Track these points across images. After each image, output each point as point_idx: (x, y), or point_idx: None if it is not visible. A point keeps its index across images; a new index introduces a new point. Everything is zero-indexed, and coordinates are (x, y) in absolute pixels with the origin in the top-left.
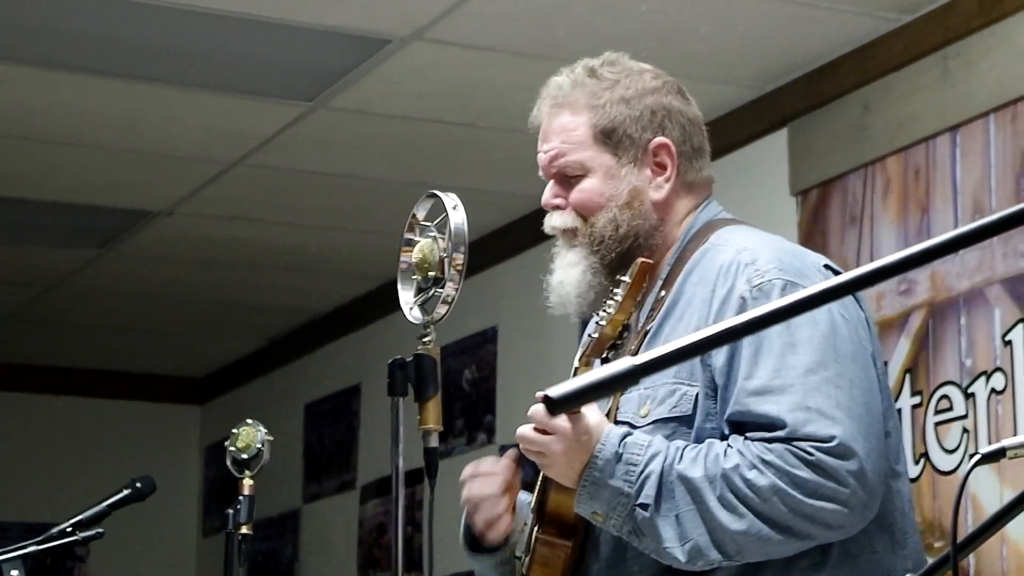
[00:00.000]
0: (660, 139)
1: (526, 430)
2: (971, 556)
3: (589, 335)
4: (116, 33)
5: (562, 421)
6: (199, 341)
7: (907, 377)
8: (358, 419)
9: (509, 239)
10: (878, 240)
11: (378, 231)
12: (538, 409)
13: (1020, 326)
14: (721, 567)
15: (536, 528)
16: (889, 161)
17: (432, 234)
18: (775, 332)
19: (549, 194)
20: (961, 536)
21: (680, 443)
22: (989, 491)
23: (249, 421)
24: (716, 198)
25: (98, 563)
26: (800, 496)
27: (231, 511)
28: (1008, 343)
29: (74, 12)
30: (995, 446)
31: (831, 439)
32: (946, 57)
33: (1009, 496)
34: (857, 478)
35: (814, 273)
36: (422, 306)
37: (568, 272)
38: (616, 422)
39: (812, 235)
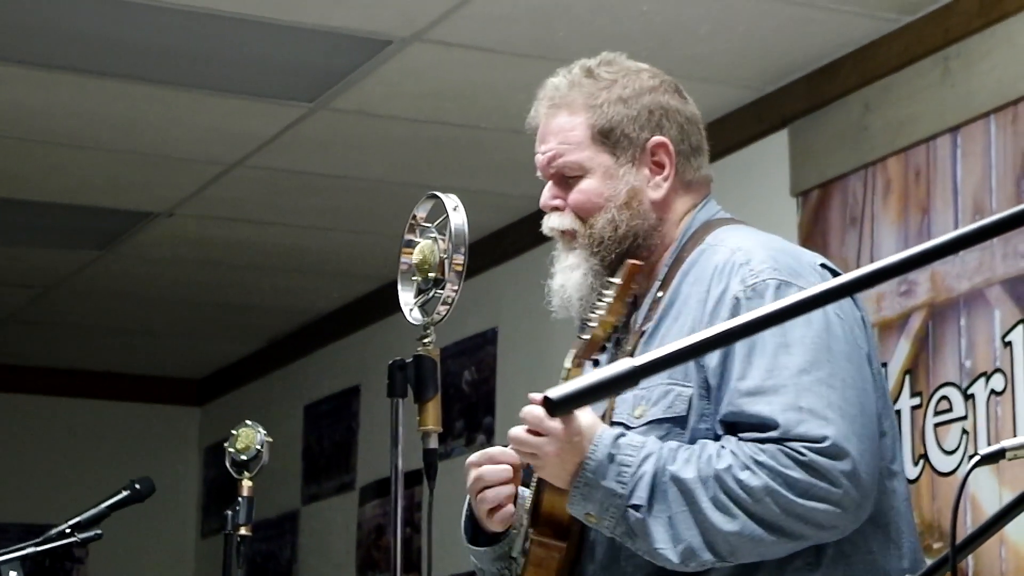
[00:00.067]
0: (658, 138)
1: (518, 431)
2: (970, 557)
3: (579, 337)
4: (116, 33)
5: (554, 422)
6: (199, 342)
7: (907, 378)
8: (357, 420)
9: (509, 240)
10: (878, 241)
11: (378, 232)
12: (530, 410)
13: (1020, 327)
14: (715, 568)
15: (531, 529)
16: (889, 162)
17: (432, 235)
18: (769, 332)
19: (547, 195)
20: (960, 537)
21: (674, 444)
22: (988, 492)
23: (248, 422)
24: (716, 199)
25: (97, 564)
26: (792, 496)
27: (230, 512)
28: (1008, 344)
29: (74, 12)
30: (994, 447)
31: (823, 439)
32: (947, 58)
33: (1008, 497)
34: (850, 478)
35: (810, 272)
36: (422, 307)
37: (569, 275)
38: (611, 423)
39: (812, 236)
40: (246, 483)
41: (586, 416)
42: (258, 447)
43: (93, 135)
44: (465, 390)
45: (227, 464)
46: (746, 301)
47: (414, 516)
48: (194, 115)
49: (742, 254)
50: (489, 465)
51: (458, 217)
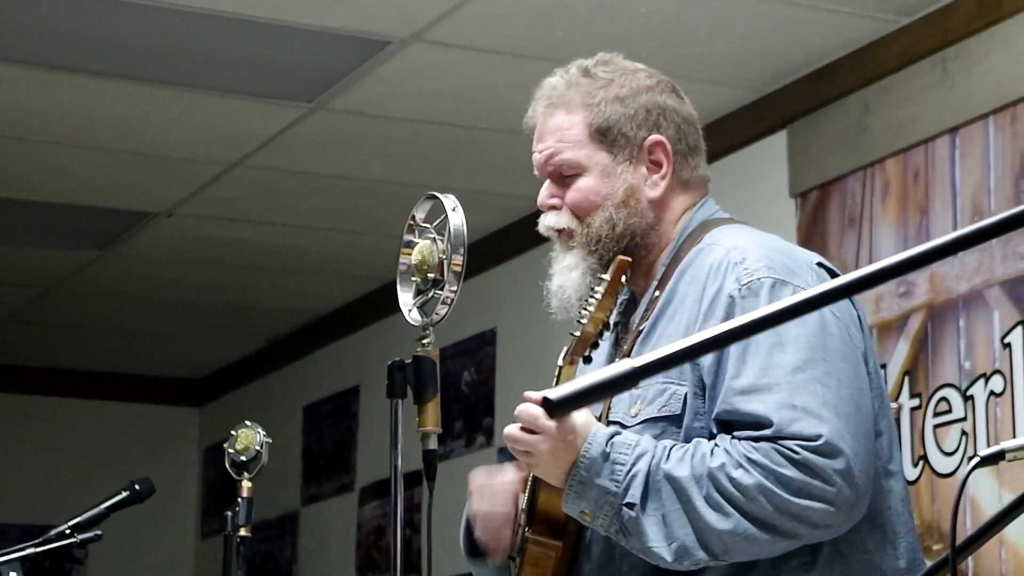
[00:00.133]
0: (655, 137)
1: (513, 429)
2: (970, 559)
3: (571, 334)
4: (116, 34)
5: (548, 420)
6: (198, 343)
7: (906, 379)
8: (357, 421)
9: (508, 241)
10: (877, 242)
11: (377, 232)
12: (525, 408)
13: (1019, 328)
14: (710, 567)
15: (527, 528)
16: (888, 163)
17: (431, 236)
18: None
19: (545, 194)
20: (960, 539)
21: (668, 442)
22: (988, 493)
23: (248, 423)
24: (715, 200)
25: (97, 565)
26: (786, 495)
27: (230, 513)
28: (1007, 345)
29: (74, 12)
30: (994, 448)
31: (817, 438)
32: (945, 59)
33: (1008, 498)
34: (844, 477)
35: (805, 271)
36: (421, 308)
37: (567, 276)
38: (608, 422)
39: (811, 237)
40: (246, 484)
41: (580, 414)
42: (258, 448)
43: (93, 135)
44: (464, 391)
45: (227, 465)
46: (741, 300)
47: (414, 517)
48: (194, 115)
49: (737, 253)
50: (488, 496)
51: (457, 218)
